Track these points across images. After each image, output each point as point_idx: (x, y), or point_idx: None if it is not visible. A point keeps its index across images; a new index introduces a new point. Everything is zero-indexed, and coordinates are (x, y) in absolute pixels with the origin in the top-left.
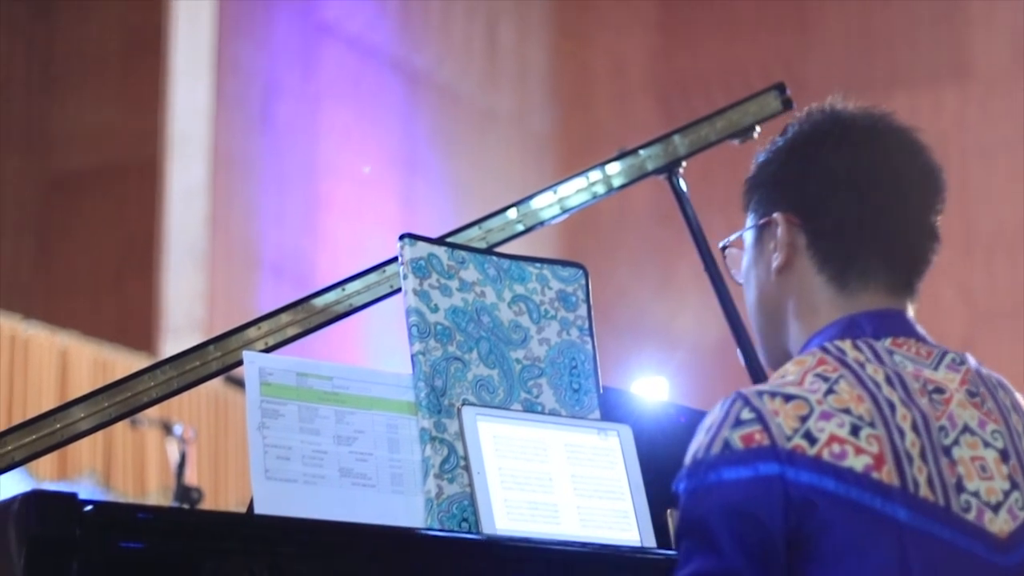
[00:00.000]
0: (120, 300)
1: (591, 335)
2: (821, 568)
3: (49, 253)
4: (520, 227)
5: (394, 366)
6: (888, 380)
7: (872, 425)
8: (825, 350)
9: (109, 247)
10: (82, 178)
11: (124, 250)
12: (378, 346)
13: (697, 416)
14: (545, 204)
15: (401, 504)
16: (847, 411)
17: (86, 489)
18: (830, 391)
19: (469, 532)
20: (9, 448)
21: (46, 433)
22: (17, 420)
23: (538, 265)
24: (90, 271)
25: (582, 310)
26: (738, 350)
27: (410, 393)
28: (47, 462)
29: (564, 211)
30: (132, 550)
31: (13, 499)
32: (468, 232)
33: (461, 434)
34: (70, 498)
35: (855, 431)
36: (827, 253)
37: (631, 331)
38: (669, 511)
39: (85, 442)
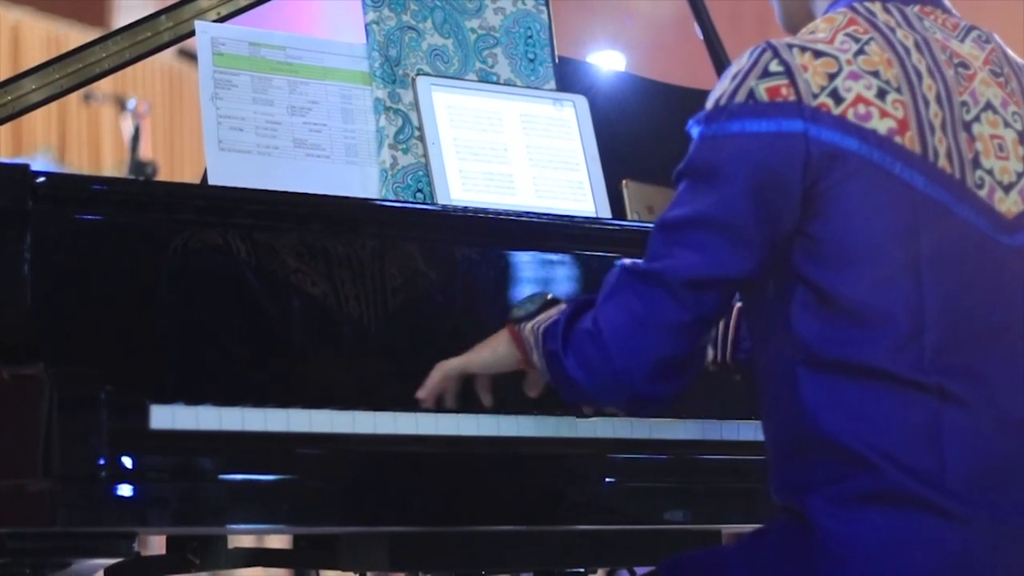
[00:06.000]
0: None
1: (547, 4)
2: (833, 227)
3: None
4: None
5: (348, 37)
6: (917, 47)
7: (899, 91)
8: (855, 10)
9: None
10: None
11: None
12: (332, 16)
13: (654, 88)
14: None
15: (355, 175)
16: (875, 74)
17: (41, 165)
18: (860, 52)
19: (424, 203)
20: None
21: None
22: None
23: None
24: None
25: None
26: (695, 24)
27: (364, 63)
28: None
29: None
30: (87, 221)
31: None
32: None
33: (415, 104)
34: (22, 169)
35: (881, 94)
36: None
37: (586, 2)
38: (624, 182)
39: (39, 119)
